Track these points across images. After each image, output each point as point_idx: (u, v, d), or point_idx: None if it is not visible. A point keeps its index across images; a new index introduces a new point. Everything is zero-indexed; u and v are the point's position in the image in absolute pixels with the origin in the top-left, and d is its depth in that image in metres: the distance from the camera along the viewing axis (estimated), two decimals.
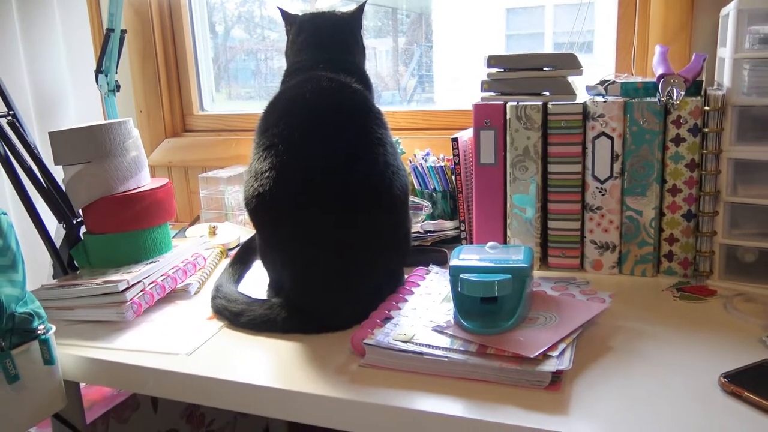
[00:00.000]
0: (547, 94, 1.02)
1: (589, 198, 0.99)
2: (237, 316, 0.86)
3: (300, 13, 1.02)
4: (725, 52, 0.92)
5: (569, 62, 1.02)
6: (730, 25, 0.89)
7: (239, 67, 1.88)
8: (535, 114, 0.99)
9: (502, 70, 1.05)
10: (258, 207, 0.84)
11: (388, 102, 1.73)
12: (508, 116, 1.01)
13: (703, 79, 0.97)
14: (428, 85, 1.90)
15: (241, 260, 1.03)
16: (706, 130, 0.91)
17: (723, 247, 0.94)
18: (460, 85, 1.79)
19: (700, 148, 0.92)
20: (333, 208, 0.81)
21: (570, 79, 1.03)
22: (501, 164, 1.03)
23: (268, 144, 0.85)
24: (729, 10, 0.91)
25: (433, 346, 0.72)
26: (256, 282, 0.98)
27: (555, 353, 0.68)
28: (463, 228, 1.13)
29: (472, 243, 1.11)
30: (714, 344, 0.74)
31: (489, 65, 1.05)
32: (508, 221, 1.04)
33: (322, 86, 0.87)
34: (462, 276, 0.75)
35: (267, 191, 0.82)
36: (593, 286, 0.92)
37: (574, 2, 1.31)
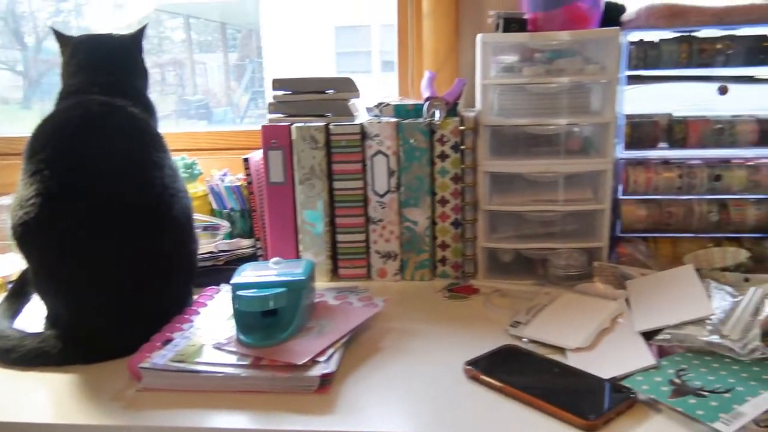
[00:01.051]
0: (330, 115, 1.09)
1: (371, 211, 1.06)
2: (7, 353, 0.81)
3: (75, 35, 0.99)
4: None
5: (348, 86, 1.09)
6: (478, 55, 1.02)
7: (54, 82, 1.73)
8: (318, 134, 1.05)
9: (289, 92, 1.10)
10: (24, 236, 0.81)
11: (219, 120, 1.69)
12: (294, 137, 1.06)
13: (460, 101, 1.09)
14: (261, 101, 1.88)
15: (17, 293, 0.97)
16: (463, 147, 1.03)
17: (485, 250, 1.06)
18: None
19: (460, 163, 1.04)
20: (105, 234, 0.80)
21: (351, 101, 1.10)
22: (290, 182, 1.07)
23: (34, 170, 0.81)
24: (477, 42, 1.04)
25: (210, 363, 0.74)
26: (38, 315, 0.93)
27: (323, 358, 0.73)
28: (259, 245, 1.15)
29: (267, 259, 1.14)
30: (470, 336, 0.84)
31: (275, 88, 1.10)
32: (300, 236, 1.09)
33: (91, 111, 0.86)
34: (238, 292, 0.78)
35: (32, 218, 0.79)
36: (372, 292, 0.99)
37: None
